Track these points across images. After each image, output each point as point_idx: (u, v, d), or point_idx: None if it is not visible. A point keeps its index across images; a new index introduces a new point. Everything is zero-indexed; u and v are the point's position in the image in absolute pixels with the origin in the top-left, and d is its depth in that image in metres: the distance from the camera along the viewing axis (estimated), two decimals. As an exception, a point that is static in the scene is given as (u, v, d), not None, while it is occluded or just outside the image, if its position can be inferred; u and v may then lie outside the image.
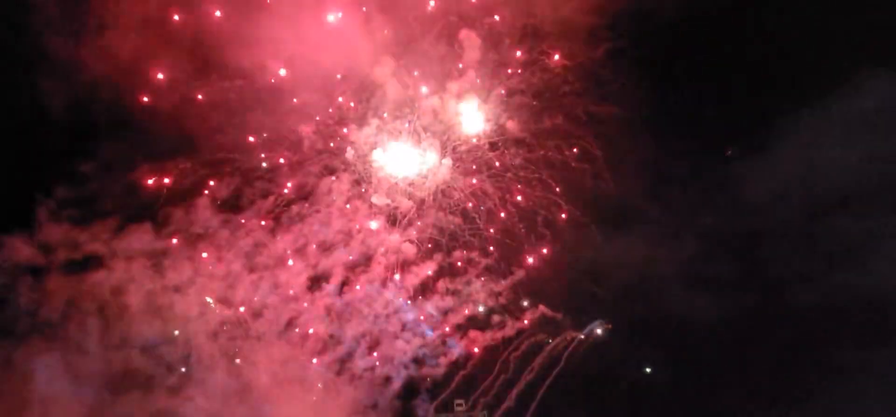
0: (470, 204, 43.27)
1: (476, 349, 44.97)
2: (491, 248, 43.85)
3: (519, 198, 43.13)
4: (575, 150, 42.52)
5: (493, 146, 42.69)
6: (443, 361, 45.22)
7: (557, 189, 42.67)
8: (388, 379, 44.70)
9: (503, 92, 41.95)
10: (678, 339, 42.41)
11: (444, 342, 45.02)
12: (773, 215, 41.61)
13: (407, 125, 42.50)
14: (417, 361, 44.93)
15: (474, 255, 43.96)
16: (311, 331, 44.22)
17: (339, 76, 41.77)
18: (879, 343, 39.55)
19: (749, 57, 40.77)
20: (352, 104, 42.73)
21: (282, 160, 42.74)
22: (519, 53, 41.80)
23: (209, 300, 42.24)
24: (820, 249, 41.06)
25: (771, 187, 41.08)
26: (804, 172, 40.22)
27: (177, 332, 41.96)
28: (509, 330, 45.21)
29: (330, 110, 42.50)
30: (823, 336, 40.51)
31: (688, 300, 41.88)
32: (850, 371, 39.90)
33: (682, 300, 41.96)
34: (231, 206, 42.20)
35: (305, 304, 44.04)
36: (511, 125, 42.11)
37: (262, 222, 42.73)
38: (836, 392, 39.97)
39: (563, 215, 42.96)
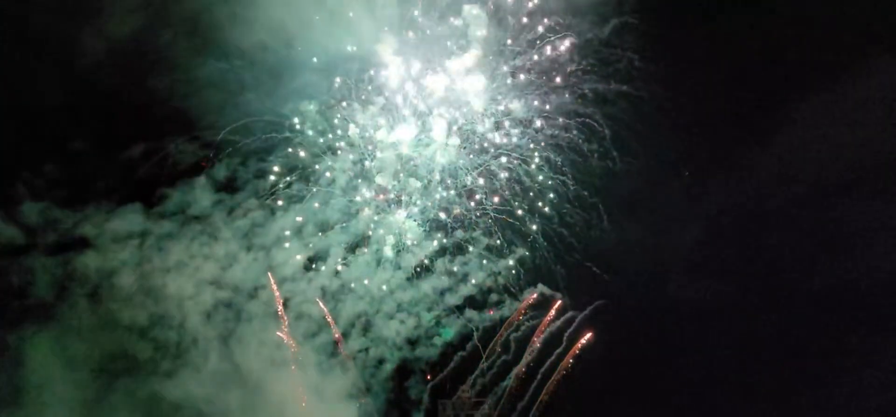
0: (475, 184, 43.17)
1: (474, 330, 44.93)
2: (494, 228, 43.80)
3: (525, 178, 43.10)
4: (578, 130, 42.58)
5: (498, 126, 42.51)
6: (438, 342, 45.19)
7: (563, 168, 42.65)
8: (381, 361, 44.60)
9: (509, 70, 41.72)
10: (681, 323, 42.86)
11: (438, 323, 44.96)
12: (779, 201, 42.22)
13: (411, 105, 42.37)
14: (411, 342, 44.88)
15: (476, 234, 43.87)
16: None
17: (341, 55, 41.71)
18: (887, 329, 40.28)
19: (756, 40, 40.93)
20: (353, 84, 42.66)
21: (282, 140, 42.70)
22: (524, 26, 41.57)
23: None
24: (826, 234, 41.64)
25: (777, 173, 41.62)
26: (811, 157, 40.66)
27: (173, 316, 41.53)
28: (508, 311, 45.24)
29: (335, 85, 42.56)
30: (830, 322, 41.13)
31: (692, 284, 42.52)
32: (857, 357, 40.73)
33: (686, 284, 42.50)
34: (229, 187, 42.31)
35: (301, 284, 43.79)
36: (517, 104, 42.02)
37: (260, 203, 42.35)
38: (843, 379, 40.74)
39: (569, 195, 43.03)
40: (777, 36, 40.39)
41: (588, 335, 44.28)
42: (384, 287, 44.69)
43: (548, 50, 41.72)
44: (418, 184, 43.40)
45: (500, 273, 45.13)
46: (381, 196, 43.68)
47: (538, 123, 42.66)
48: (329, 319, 43.94)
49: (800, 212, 41.67)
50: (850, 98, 39.40)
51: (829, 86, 39.91)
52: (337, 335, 44.44)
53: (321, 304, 43.82)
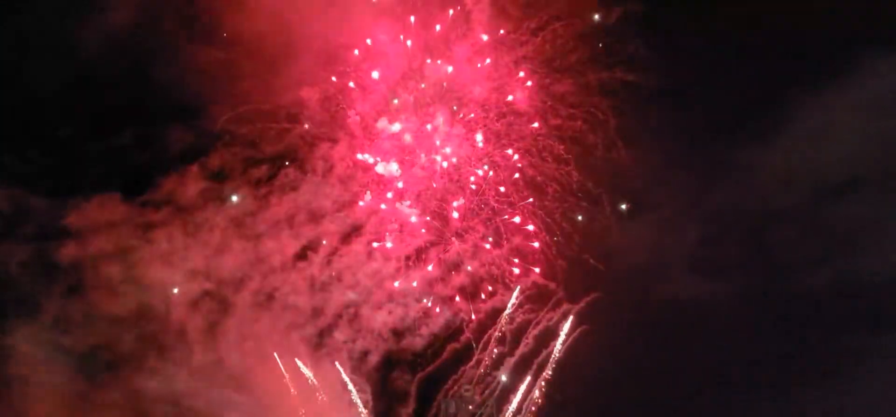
0: (477, 174, 43.47)
1: (466, 321, 45.12)
2: (493, 218, 44.10)
3: (528, 168, 43.40)
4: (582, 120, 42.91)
5: (501, 116, 42.80)
6: (425, 333, 45.27)
7: (566, 159, 43.05)
8: (366, 353, 44.57)
9: (512, 59, 41.95)
10: (682, 320, 43.24)
11: (425, 314, 45.02)
12: (781, 199, 43.03)
13: (413, 93, 42.79)
14: (397, 333, 44.86)
15: (474, 223, 43.98)
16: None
17: (341, 43, 42.17)
18: (887, 328, 41.17)
19: (763, 28, 41.59)
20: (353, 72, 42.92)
21: (280, 130, 42.67)
22: (528, 13, 41.84)
23: None
24: (828, 233, 42.46)
25: (779, 171, 42.51)
26: (813, 156, 41.59)
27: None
28: (500, 301, 45.37)
29: (334, 74, 42.60)
30: (830, 321, 42.29)
31: (693, 281, 43.27)
32: (858, 355, 41.50)
33: (687, 280, 43.31)
34: (224, 176, 42.20)
35: (291, 274, 43.59)
36: (520, 94, 42.18)
37: (255, 192, 42.21)
38: (844, 377, 41.52)
39: (572, 186, 43.39)
40: (783, 25, 41.01)
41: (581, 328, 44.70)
42: (374, 277, 44.49)
43: (552, 38, 41.92)
44: (420, 173, 43.57)
45: (492, 263, 45.25)
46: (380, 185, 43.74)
47: (542, 112, 42.97)
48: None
49: (803, 210, 42.62)
50: (853, 98, 40.29)
51: (831, 86, 40.83)
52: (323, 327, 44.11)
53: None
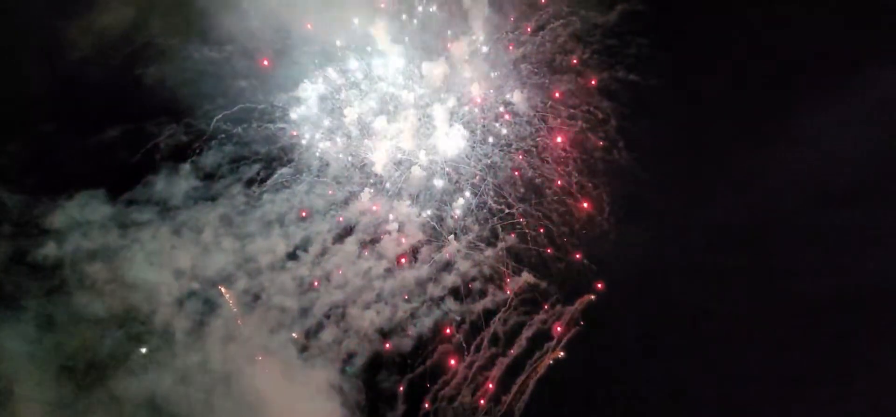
0: (475, 174, 43.35)
1: (457, 321, 45.07)
2: (489, 217, 44.07)
3: (527, 169, 43.39)
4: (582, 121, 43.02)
5: (499, 115, 42.89)
6: (414, 334, 45.17)
7: (566, 158, 43.13)
8: (352, 355, 44.40)
9: (510, 58, 41.94)
10: (680, 324, 43.52)
11: (412, 315, 44.92)
12: (782, 205, 42.93)
13: (411, 93, 42.73)
14: (384, 333, 44.69)
15: (469, 222, 44.03)
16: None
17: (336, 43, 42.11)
18: (890, 336, 41.40)
19: (762, 43, 42.09)
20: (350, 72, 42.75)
21: (275, 129, 42.42)
22: (527, 12, 41.81)
23: None
24: (830, 240, 42.61)
25: (781, 176, 42.56)
26: (816, 161, 41.73)
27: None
28: (491, 302, 45.36)
29: (331, 74, 42.48)
30: (832, 329, 42.09)
31: (692, 286, 43.10)
32: (860, 364, 41.80)
33: (686, 285, 43.16)
34: (214, 175, 41.84)
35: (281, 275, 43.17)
36: (519, 94, 42.25)
37: (247, 192, 42.03)
38: (845, 386, 41.72)
39: (571, 187, 43.44)
40: (788, 30, 41.29)
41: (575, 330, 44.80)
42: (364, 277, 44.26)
43: (551, 38, 41.90)
44: (421, 173, 43.57)
45: (485, 264, 45.15)
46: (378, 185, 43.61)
47: (541, 112, 42.97)
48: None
49: (805, 217, 42.49)
50: (856, 106, 40.48)
51: (833, 94, 41.07)
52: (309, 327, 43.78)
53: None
